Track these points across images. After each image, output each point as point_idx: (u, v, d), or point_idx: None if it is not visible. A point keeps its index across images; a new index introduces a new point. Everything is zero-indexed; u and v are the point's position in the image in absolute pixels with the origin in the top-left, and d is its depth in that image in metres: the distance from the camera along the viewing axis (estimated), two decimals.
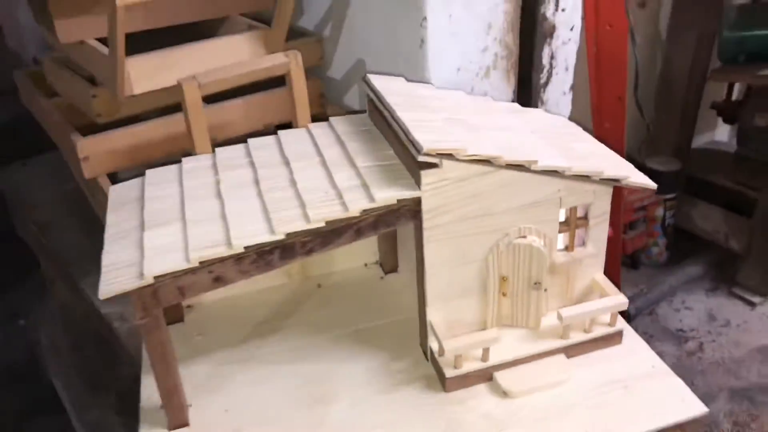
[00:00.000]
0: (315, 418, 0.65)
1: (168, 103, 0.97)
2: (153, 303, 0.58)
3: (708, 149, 1.71)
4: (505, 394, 0.66)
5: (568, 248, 0.71)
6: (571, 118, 0.91)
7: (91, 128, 0.96)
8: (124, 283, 0.56)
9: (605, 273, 0.73)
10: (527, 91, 1.08)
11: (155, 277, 0.56)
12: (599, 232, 0.70)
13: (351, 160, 0.67)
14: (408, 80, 0.77)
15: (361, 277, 0.87)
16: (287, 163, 0.69)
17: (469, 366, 0.67)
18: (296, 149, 0.72)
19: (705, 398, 0.65)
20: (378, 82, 0.73)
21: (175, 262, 0.57)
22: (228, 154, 0.74)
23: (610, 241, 0.72)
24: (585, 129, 0.78)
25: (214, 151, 0.76)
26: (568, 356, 0.70)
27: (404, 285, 0.84)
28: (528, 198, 0.65)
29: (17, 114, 1.35)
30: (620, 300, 0.69)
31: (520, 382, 0.67)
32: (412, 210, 0.62)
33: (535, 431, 0.62)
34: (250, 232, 0.59)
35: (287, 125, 0.83)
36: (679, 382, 0.67)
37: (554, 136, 0.71)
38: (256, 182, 0.67)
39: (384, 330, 0.77)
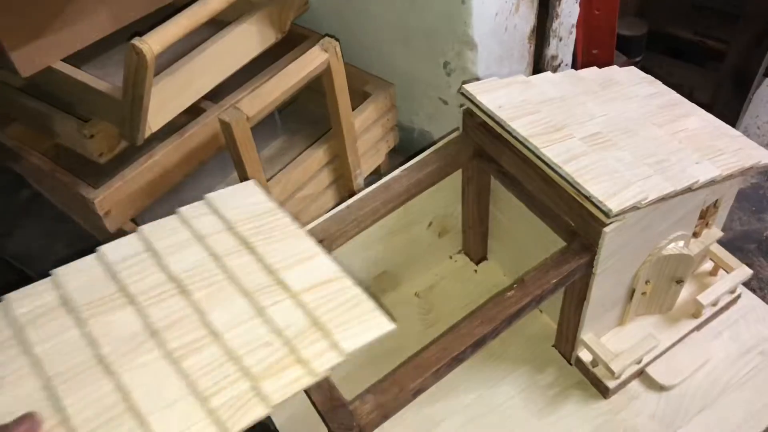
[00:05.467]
0: None
1: None
2: None
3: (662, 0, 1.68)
4: (661, 388, 0.69)
5: (696, 234, 0.70)
6: None
7: (83, 167, 0.79)
8: None
9: None
10: (545, 8, 1.00)
11: None
12: (723, 211, 0.70)
13: (277, 278, 0.48)
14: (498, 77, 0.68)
15: (453, 272, 0.83)
16: (185, 291, 0.47)
17: (627, 371, 0.68)
18: (185, 262, 0.49)
19: None
20: (483, 97, 0.64)
21: None
22: (79, 278, 0.49)
23: None
24: None
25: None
26: (698, 329, 0.73)
27: (500, 274, 0.81)
28: (680, 212, 0.63)
29: None
30: (746, 272, 0.72)
31: (672, 374, 0.69)
32: (585, 264, 0.58)
33: (709, 422, 0.66)
34: None
35: None
36: None
37: (665, 117, 0.67)
38: (155, 334, 0.44)
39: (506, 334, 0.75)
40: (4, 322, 0.46)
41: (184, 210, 0.53)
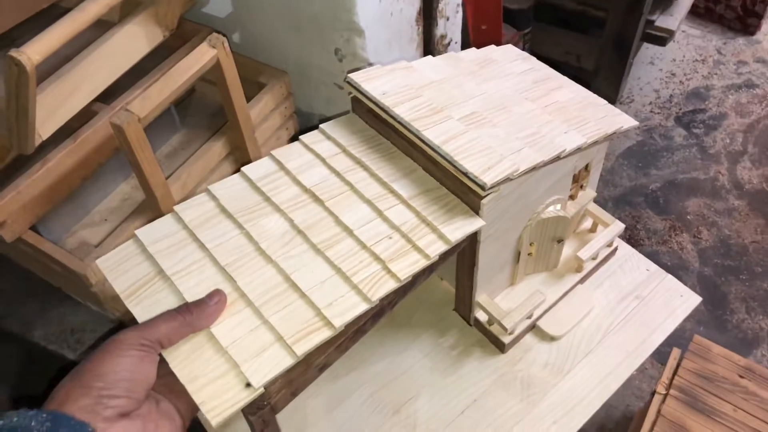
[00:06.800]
0: (408, 423, 0.71)
1: None
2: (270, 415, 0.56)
3: None
4: (552, 338, 0.76)
5: (572, 197, 0.77)
6: None
7: None
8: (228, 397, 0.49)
9: None
10: None
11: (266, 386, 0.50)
12: (594, 173, 0.77)
13: (389, 188, 0.63)
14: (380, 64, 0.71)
15: None
16: (319, 200, 0.62)
17: (520, 326, 0.75)
18: (314, 178, 0.64)
19: None
20: (367, 85, 0.67)
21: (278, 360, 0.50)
22: (229, 192, 0.62)
23: None
24: None
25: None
26: (582, 282, 0.80)
27: None
28: (553, 178, 0.69)
29: None
30: (619, 226, 0.79)
31: (560, 325, 0.76)
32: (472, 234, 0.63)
33: (593, 364, 0.74)
34: (344, 305, 0.53)
35: None
36: (673, 280, 0.81)
37: (537, 92, 0.73)
38: (300, 233, 0.59)
39: (407, 303, 0.81)
40: (179, 226, 0.59)
41: (305, 137, 0.67)
